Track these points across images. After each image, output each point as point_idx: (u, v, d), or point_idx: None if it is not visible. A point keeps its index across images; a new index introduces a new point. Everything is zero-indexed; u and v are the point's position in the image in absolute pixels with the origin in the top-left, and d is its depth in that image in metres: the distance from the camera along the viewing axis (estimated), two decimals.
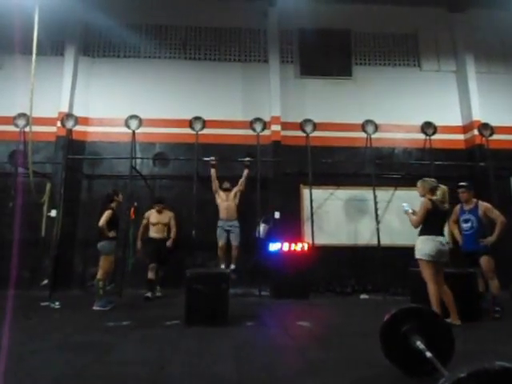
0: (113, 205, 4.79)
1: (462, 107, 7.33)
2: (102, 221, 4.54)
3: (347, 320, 4.11)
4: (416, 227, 3.68)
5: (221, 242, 5.86)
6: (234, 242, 5.87)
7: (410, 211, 3.75)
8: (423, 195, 3.70)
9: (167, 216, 5.74)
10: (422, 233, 3.62)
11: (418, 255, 3.57)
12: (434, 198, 3.60)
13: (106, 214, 4.58)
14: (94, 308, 4.42)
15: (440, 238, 3.55)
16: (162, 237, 5.63)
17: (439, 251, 3.50)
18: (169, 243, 5.57)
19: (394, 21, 7.60)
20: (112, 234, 4.61)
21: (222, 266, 5.82)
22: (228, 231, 5.89)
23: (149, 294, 5.22)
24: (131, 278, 5.81)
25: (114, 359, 2.54)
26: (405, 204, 3.83)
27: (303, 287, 5.57)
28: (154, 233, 5.64)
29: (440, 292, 3.48)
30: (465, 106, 7.27)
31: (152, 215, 5.71)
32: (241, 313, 4.18)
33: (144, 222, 5.72)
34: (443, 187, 3.64)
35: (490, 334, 3.34)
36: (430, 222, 3.57)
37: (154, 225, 5.65)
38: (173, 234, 5.67)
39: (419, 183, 3.78)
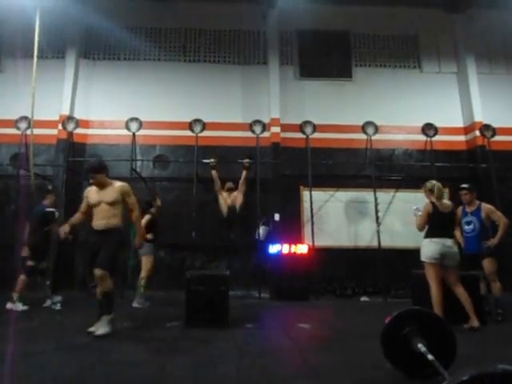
0: (152, 210, 5.09)
1: (464, 108, 7.31)
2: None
3: (348, 322, 4.08)
4: (420, 230, 3.70)
5: None
6: None
7: (419, 213, 3.73)
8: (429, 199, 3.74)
9: (114, 190, 3.35)
10: (425, 235, 3.64)
11: (422, 257, 3.60)
12: (435, 199, 3.62)
13: (146, 218, 4.81)
14: (134, 305, 4.61)
15: (445, 240, 3.52)
16: (105, 227, 3.26)
17: (443, 253, 3.48)
18: (136, 243, 3.55)
19: (394, 22, 7.59)
20: (149, 236, 4.84)
21: None
22: None
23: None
24: (132, 280, 5.78)
25: (114, 360, 2.53)
26: (414, 206, 3.84)
27: (303, 289, 5.55)
28: (94, 220, 3.35)
29: (457, 294, 3.48)
30: (466, 107, 7.24)
31: (91, 192, 3.43)
32: (241, 315, 4.16)
33: (83, 204, 3.46)
34: (437, 184, 3.68)
35: (493, 337, 3.31)
36: (434, 225, 3.58)
37: (94, 207, 3.35)
38: (137, 223, 3.51)
39: (422, 189, 3.84)
